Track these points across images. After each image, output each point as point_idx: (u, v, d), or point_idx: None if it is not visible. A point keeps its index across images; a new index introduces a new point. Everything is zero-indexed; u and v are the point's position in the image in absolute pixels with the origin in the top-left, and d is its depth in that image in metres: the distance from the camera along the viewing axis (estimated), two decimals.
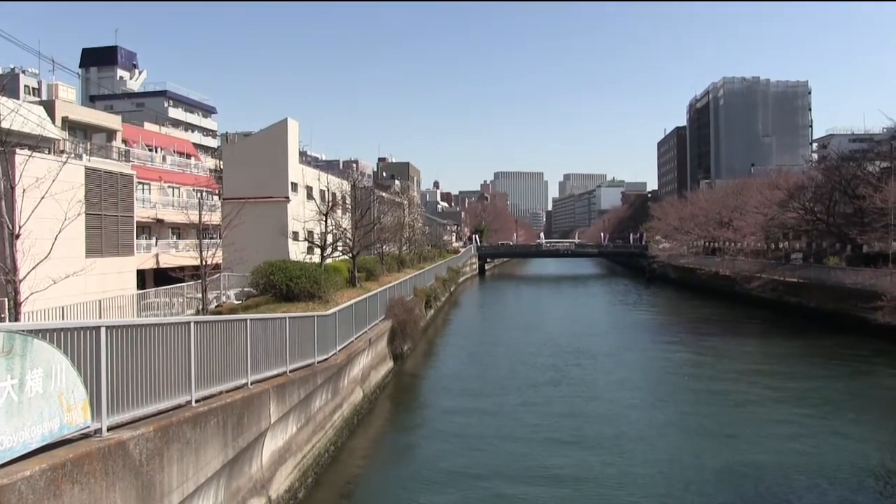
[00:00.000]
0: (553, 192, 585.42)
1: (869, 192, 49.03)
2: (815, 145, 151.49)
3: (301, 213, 44.59)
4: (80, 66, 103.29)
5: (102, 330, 9.25)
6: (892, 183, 47.74)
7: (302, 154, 58.37)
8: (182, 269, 30.83)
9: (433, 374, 33.39)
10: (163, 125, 79.50)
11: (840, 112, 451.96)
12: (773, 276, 58.95)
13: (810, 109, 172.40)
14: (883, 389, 29.01)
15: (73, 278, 19.62)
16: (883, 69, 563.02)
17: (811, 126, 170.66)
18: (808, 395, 27.49)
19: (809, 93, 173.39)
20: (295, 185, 46.76)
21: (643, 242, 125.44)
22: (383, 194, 72.95)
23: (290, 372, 17.31)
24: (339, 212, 46.11)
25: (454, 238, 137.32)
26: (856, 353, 36.91)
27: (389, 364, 32.38)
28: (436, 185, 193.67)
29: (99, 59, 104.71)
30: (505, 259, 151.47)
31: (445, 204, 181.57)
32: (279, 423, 15.98)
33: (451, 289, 73.78)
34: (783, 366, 34.12)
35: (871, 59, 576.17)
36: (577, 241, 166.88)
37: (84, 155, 43.59)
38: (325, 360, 21.08)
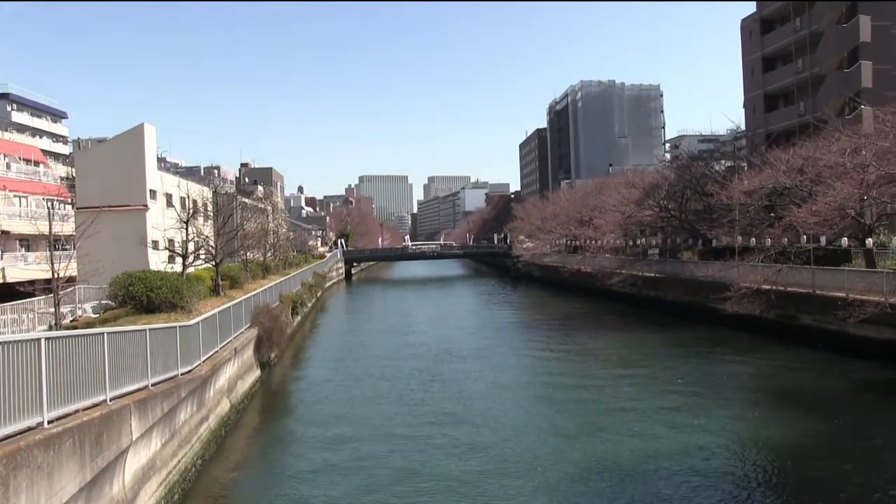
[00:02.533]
0: (418, 194, 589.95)
1: (716, 190, 52.13)
2: (667, 146, 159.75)
3: (161, 222, 43.05)
4: None
5: None
6: (735, 181, 51.09)
7: (161, 160, 56.41)
8: (32, 283, 29.19)
9: (302, 382, 32.95)
10: (6, 130, 74.63)
11: (691, 115, 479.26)
12: (632, 271, 60.94)
13: (662, 112, 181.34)
14: (733, 377, 31.04)
15: None
16: (727, 74, 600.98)
17: (664, 128, 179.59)
18: (667, 385, 29.03)
19: (661, 96, 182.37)
20: (154, 193, 45.08)
21: (508, 242, 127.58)
22: (246, 200, 71.29)
23: (152, 385, 16.80)
24: (201, 219, 44.87)
25: (320, 243, 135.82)
26: (707, 342, 39.06)
27: (257, 373, 31.79)
28: (300, 190, 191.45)
29: None
30: (371, 262, 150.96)
31: (310, 209, 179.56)
32: (142, 438, 15.45)
33: (318, 294, 73.03)
34: (643, 358, 35.72)
35: (716, 65, 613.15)
36: (442, 242, 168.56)
37: None
38: (190, 371, 20.55)
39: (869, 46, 62.15)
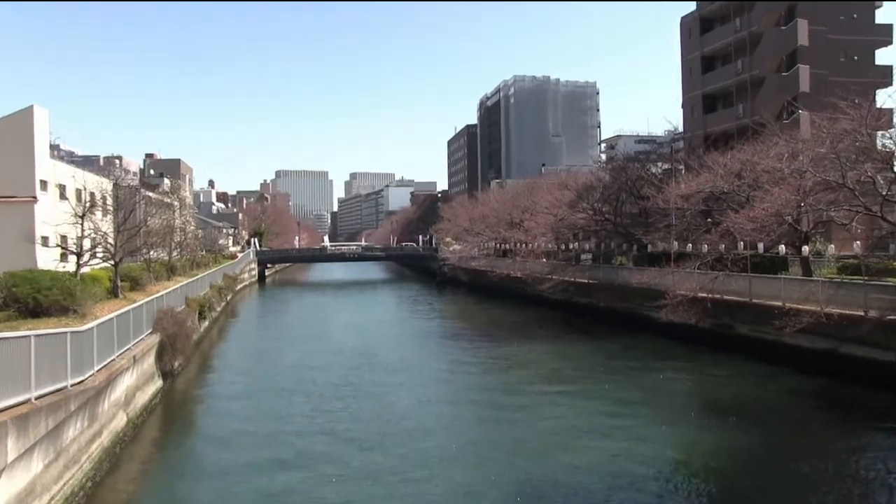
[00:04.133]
0: (339, 192, 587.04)
1: (652, 193, 53.17)
2: (603, 146, 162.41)
3: (53, 216, 41.40)
4: None
5: None
6: (672, 184, 52.09)
7: (54, 147, 54.38)
8: None
9: (208, 394, 32.09)
10: None
11: (628, 115, 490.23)
12: (564, 276, 61.51)
13: (598, 110, 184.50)
14: (667, 389, 31.51)
15: None
16: (665, 74, 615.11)
17: (599, 127, 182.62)
18: (600, 399, 29.24)
19: (598, 93, 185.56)
20: (45, 184, 43.37)
21: (433, 244, 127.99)
22: (151, 194, 69.38)
23: (35, 399, 15.98)
24: (99, 214, 43.29)
25: (231, 242, 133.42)
26: (641, 352, 39.60)
27: (158, 383, 30.82)
28: (211, 184, 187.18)
29: None
30: (287, 264, 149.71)
31: (222, 205, 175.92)
32: (20, 460, 14.62)
33: (228, 297, 71.74)
34: (575, 370, 35.94)
35: (655, 63, 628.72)
36: (364, 243, 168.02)
37: None
38: (81, 382, 19.69)
39: (807, 50, 64.43)
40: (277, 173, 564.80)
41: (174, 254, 60.03)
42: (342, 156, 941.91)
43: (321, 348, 44.77)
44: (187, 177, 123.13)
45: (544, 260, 71.26)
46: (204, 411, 29.19)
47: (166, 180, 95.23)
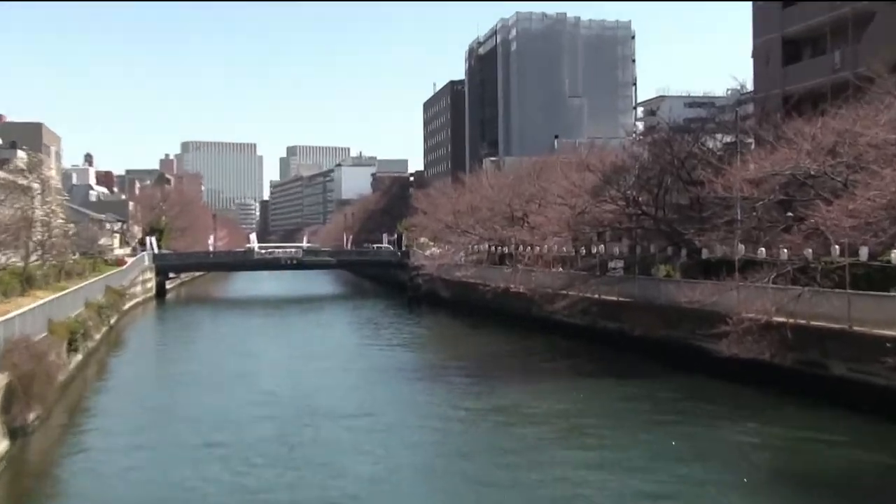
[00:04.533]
0: (272, 172, 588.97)
1: (709, 177, 52.68)
2: (640, 111, 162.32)
3: None
4: None
5: None
6: (737, 164, 51.75)
7: None
8: None
9: (78, 461, 31.17)
10: None
11: (675, 68, 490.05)
12: (585, 292, 61.54)
13: (634, 61, 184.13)
14: (730, 454, 30.87)
15: None
16: (731, 10, 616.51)
17: (635, 85, 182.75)
18: (637, 470, 28.26)
19: (633, 38, 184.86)
20: None
21: (403, 247, 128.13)
22: None
23: None
24: None
25: (118, 242, 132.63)
26: (692, 400, 39.42)
27: (3, 444, 30.04)
28: (88, 160, 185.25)
29: None
30: (198, 273, 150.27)
31: (104, 189, 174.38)
32: None
33: (113, 320, 71.33)
34: (600, 425, 35.49)
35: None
36: (306, 245, 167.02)
37: None
38: None
39: None
40: (185, 146, 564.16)
41: (33, 258, 59.17)
42: (276, 123, 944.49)
43: (245, 394, 44.18)
44: (53, 149, 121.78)
45: (558, 269, 71.56)
46: (72, 488, 28.32)
47: (21, 152, 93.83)
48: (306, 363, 56.31)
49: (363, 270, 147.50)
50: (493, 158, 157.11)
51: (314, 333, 76.06)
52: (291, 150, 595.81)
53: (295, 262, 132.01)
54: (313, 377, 50.12)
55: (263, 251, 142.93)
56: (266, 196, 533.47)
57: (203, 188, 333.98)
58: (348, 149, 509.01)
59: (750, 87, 77.81)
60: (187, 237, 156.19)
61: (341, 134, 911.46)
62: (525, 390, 44.08)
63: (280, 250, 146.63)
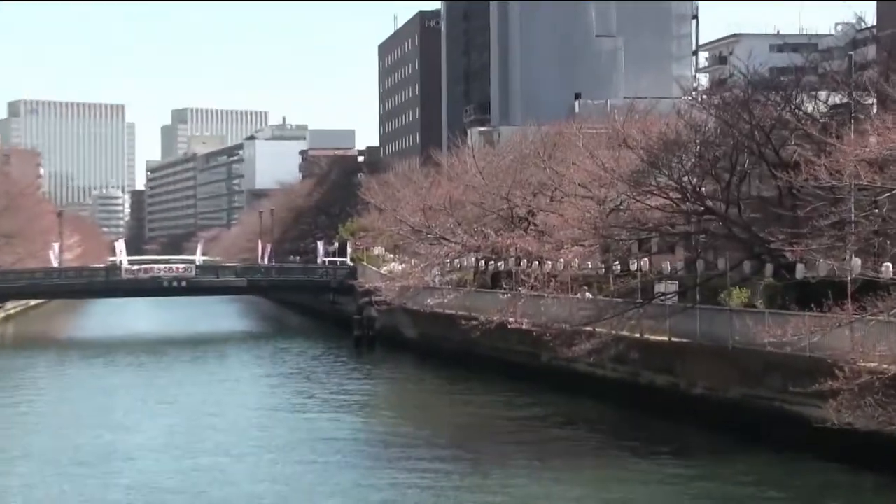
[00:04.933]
0: (149, 148, 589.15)
1: (808, 157, 52.37)
2: (703, 57, 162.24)
3: None
4: None
5: None
6: (850, 138, 51.40)
7: None
8: None
9: None
10: None
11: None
12: (621, 330, 60.64)
13: None
14: None
15: None
16: None
17: (696, 17, 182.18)
18: None
19: None
20: None
21: (348, 261, 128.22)
22: None
23: None
24: None
25: None
26: (789, 495, 39.17)
27: None
28: None
29: None
30: (35, 302, 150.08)
31: None
32: None
33: None
34: None
35: None
36: (202, 258, 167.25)
37: None
38: None
39: None
40: (13, 108, 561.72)
41: None
42: (156, 78, 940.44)
43: (110, 485, 43.73)
44: None
45: (581, 295, 70.69)
46: None
47: None
48: (198, 441, 55.74)
49: (288, 297, 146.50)
50: (482, 129, 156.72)
51: (213, 394, 75.48)
52: (179, 116, 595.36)
53: (185, 284, 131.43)
54: (208, 464, 49.16)
55: (136, 268, 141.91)
56: (141, 185, 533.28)
57: (42, 171, 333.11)
58: (265, 113, 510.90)
59: (871, 20, 77.72)
60: (16, 246, 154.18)
61: (255, 92, 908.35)
62: (531, 479, 43.49)
63: (162, 267, 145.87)
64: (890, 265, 45.44)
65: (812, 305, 47.57)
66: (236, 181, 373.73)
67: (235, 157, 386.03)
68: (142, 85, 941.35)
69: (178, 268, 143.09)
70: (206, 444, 53.71)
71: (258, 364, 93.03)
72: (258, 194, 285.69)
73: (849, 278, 46.63)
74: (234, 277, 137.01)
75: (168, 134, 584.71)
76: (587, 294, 70.75)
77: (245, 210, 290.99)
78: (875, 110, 59.01)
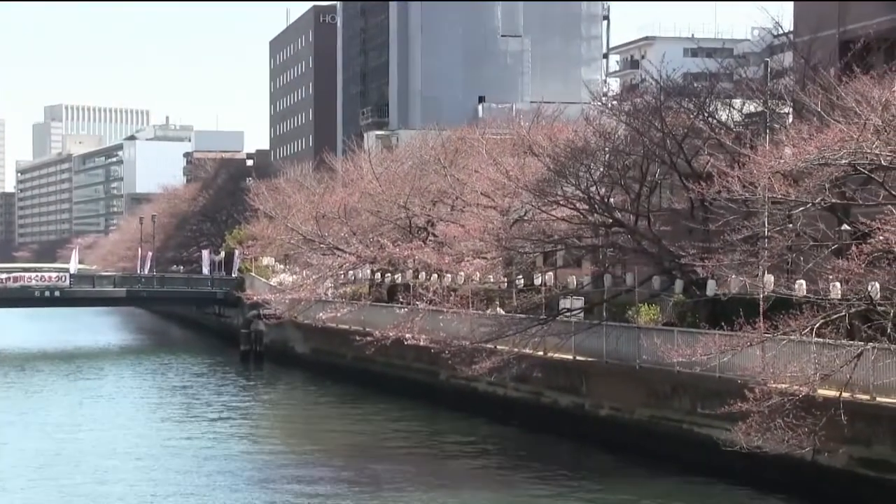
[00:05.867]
0: (19, 148, 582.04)
1: (721, 168, 53.13)
2: (614, 60, 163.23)
3: None
4: None
5: None
6: (764, 147, 52.21)
7: None
8: None
9: None
10: None
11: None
12: (524, 347, 60.98)
13: None
14: None
15: None
16: None
17: (607, 18, 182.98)
18: None
19: None
20: None
21: (236, 271, 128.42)
22: None
23: None
24: None
25: None
26: None
27: None
28: None
29: None
30: None
31: None
32: None
33: None
34: None
35: None
36: (77, 266, 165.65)
37: None
38: None
39: None
40: None
41: None
42: (28, 68, 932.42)
43: None
44: None
45: (482, 311, 70.41)
46: None
47: None
48: (72, 466, 55.05)
49: (171, 309, 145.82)
50: (380, 132, 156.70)
51: (88, 414, 74.48)
52: (52, 112, 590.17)
53: (58, 294, 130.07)
54: (83, 491, 48.65)
55: (4, 276, 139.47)
56: (10, 187, 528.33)
57: None
58: (147, 112, 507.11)
59: (788, 25, 78.89)
60: None
61: (136, 90, 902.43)
62: None
63: (34, 275, 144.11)
64: (803, 282, 46.37)
65: (723, 324, 48.31)
66: (115, 184, 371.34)
67: (114, 159, 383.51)
68: (11, 78, 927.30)
69: (51, 276, 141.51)
70: (80, 469, 53.18)
71: (138, 381, 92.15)
72: (139, 199, 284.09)
73: (761, 296, 47.48)
74: (113, 287, 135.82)
75: (40, 132, 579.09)
76: (499, 309, 70.54)
77: (125, 215, 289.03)
78: (791, 120, 60.12)
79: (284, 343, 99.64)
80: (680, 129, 61.71)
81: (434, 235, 77.97)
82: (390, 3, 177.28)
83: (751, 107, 66.61)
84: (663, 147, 61.38)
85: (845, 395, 39.75)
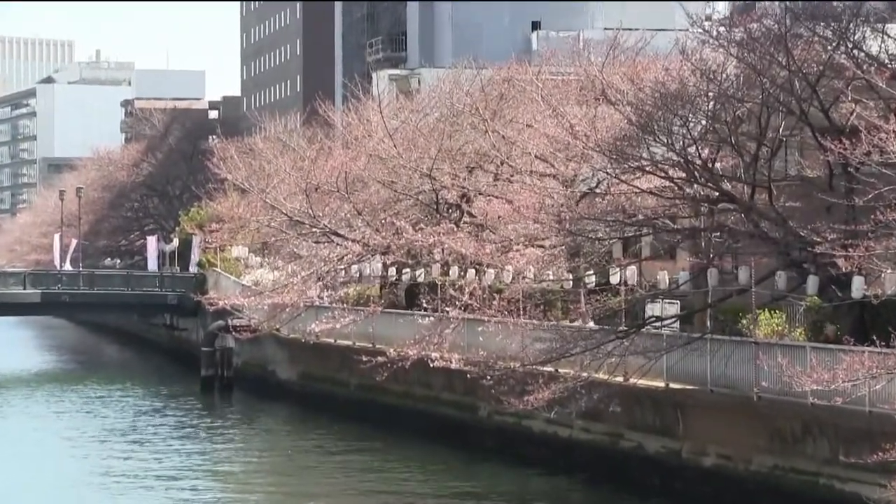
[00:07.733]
0: None
1: (870, 119, 52.80)
2: None
3: None
4: None
5: None
6: None
7: None
8: None
9: None
10: None
11: None
12: (594, 371, 59.75)
13: None
14: None
15: None
16: None
17: None
18: None
19: None
20: None
21: (194, 265, 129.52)
22: None
23: None
24: None
25: None
26: None
27: None
28: None
29: None
30: None
31: None
32: None
33: None
34: None
35: None
36: None
37: None
38: None
39: None
40: None
41: None
42: None
43: None
44: None
45: (544, 321, 68.48)
46: None
47: None
48: None
49: (104, 319, 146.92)
50: (395, 72, 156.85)
51: None
52: None
53: None
54: None
55: None
56: None
57: None
58: (70, 44, 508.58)
59: None
60: None
61: (58, 17, 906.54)
62: None
63: None
64: None
65: (875, 337, 47.36)
66: (25, 146, 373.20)
67: (23, 110, 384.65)
68: None
69: None
70: None
71: (55, 422, 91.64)
72: (58, 165, 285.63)
73: None
74: (22, 289, 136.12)
75: None
76: (543, 319, 69.04)
77: (39, 189, 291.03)
78: None
79: (262, 366, 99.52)
80: (813, 65, 59.48)
81: (471, 215, 76.82)
82: None
83: None
84: (790, 91, 58.78)
85: None
